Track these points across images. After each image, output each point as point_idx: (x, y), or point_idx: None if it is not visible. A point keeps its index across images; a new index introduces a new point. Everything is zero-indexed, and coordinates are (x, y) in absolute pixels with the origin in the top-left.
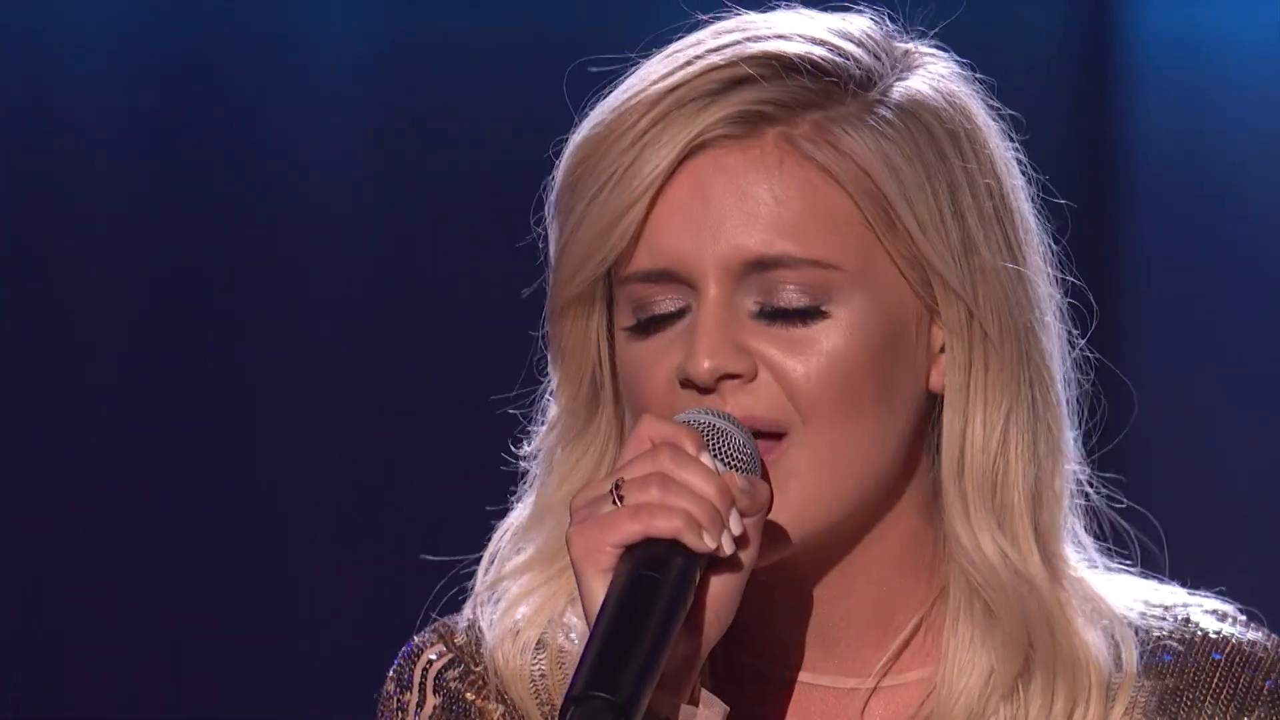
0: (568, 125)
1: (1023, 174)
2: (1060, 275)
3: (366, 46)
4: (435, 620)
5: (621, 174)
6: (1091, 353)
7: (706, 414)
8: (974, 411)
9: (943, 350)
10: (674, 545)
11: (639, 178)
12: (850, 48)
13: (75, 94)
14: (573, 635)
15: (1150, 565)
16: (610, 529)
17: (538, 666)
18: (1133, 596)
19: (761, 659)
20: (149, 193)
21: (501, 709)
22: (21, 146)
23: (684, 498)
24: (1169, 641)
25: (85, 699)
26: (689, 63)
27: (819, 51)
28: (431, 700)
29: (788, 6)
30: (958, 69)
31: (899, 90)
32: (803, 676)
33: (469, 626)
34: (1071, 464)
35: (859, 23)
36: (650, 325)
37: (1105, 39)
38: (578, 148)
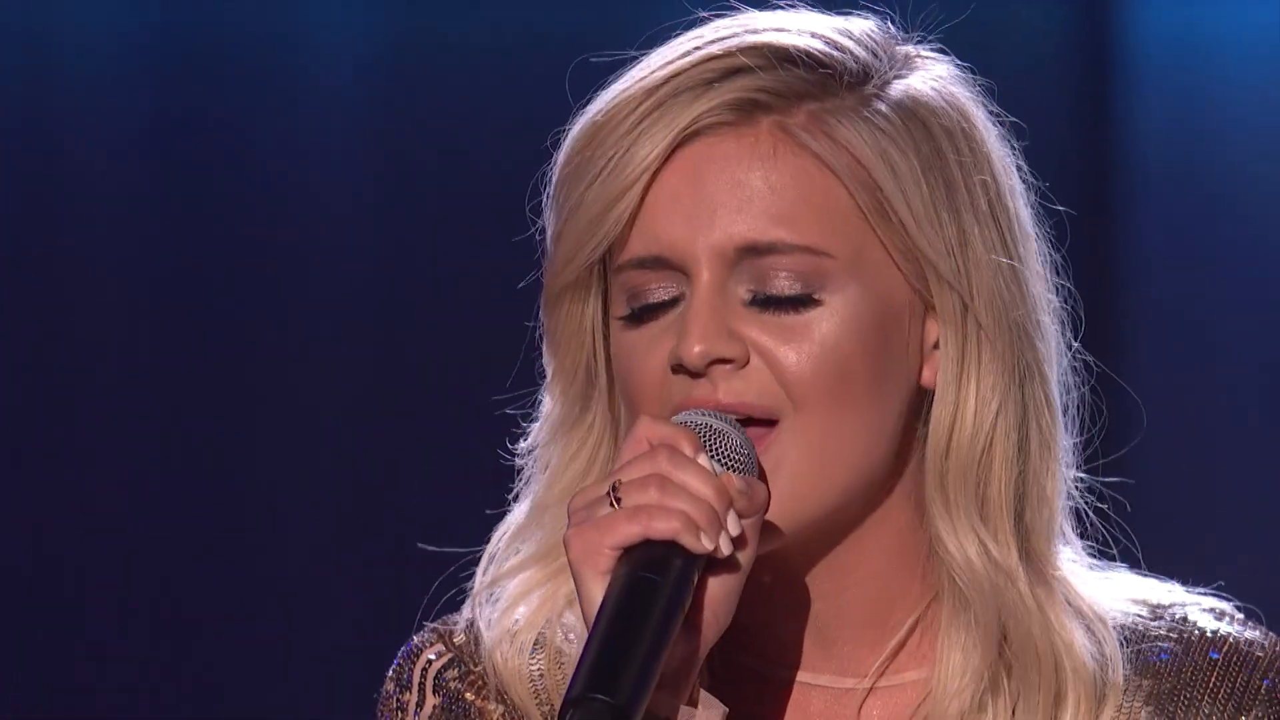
0: (563, 130)
1: (1023, 181)
2: (1059, 282)
3: (366, 46)
4: (434, 620)
5: (617, 160)
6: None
7: (703, 415)
8: (964, 404)
9: (936, 346)
10: (672, 547)
11: (633, 164)
12: (849, 44)
13: (75, 94)
14: (571, 635)
15: (1149, 565)
16: (608, 531)
17: (536, 666)
18: (1130, 595)
19: (759, 659)
20: (149, 193)
21: (501, 709)
22: (21, 146)
23: (682, 499)
24: (1166, 640)
25: (86, 699)
26: (686, 54)
27: (817, 45)
28: (431, 700)
29: (789, 6)
30: (958, 72)
31: (897, 87)
32: (801, 676)
33: (468, 626)
34: (1066, 467)
35: (860, 23)
36: (644, 314)
37: (1105, 39)
38: (576, 136)
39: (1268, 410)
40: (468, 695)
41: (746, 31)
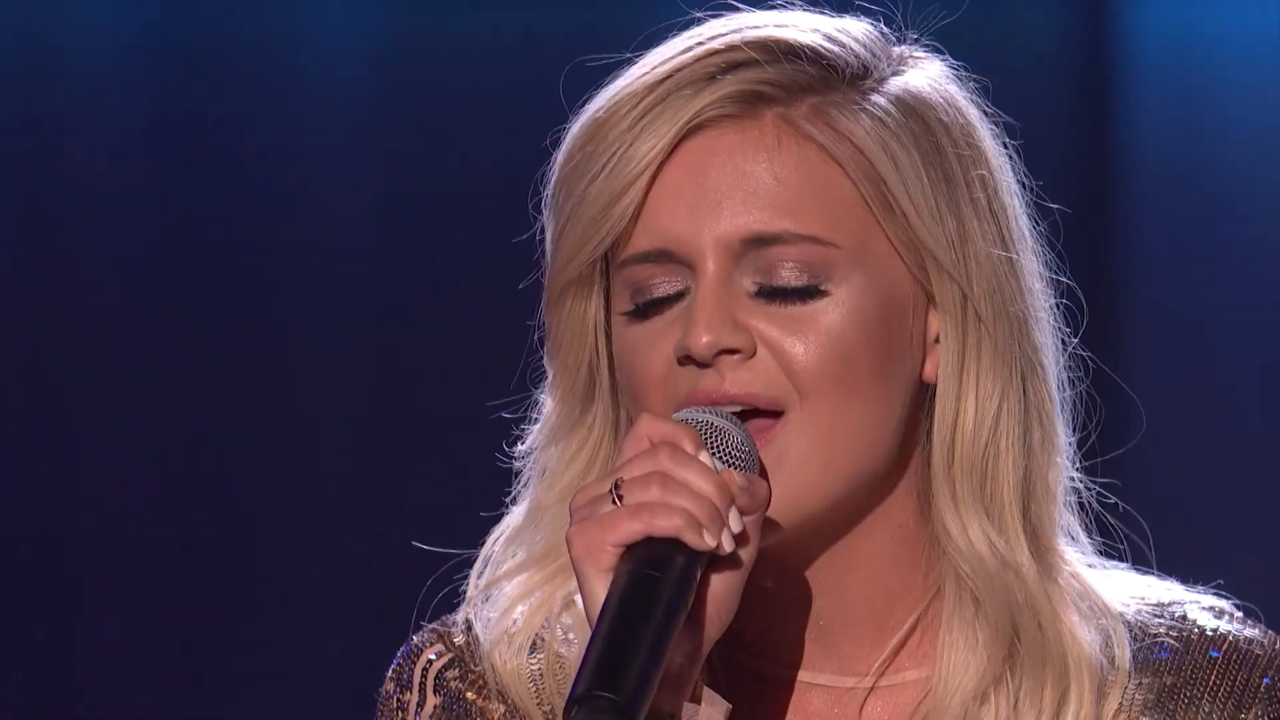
0: (563, 127)
1: (1019, 181)
2: (1056, 278)
3: (366, 46)
4: (433, 621)
5: (620, 156)
6: (1090, 357)
7: (705, 412)
8: (966, 397)
9: (938, 340)
10: (674, 544)
11: (636, 159)
12: (849, 41)
13: (75, 94)
14: (570, 636)
15: (1148, 564)
16: (611, 528)
17: (535, 667)
18: (1130, 593)
19: (761, 659)
20: (149, 192)
21: (503, 708)
22: (21, 146)
23: (684, 496)
24: (1166, 638)
25: (86, 699)
26: (688, 49)
27: (818, 39)
28: (432, 700)
29: (786, 6)
30: (951, 71)
31: (896, 83)
32: (802, 675)
33: (468, 627)
34: (1066, 461)
35: (858, 24)
36: (648, 308)
37: (1105, 40)
38: (577, 133)
39: (1267, 410)
40: (469, 695)
41: (748, 27)
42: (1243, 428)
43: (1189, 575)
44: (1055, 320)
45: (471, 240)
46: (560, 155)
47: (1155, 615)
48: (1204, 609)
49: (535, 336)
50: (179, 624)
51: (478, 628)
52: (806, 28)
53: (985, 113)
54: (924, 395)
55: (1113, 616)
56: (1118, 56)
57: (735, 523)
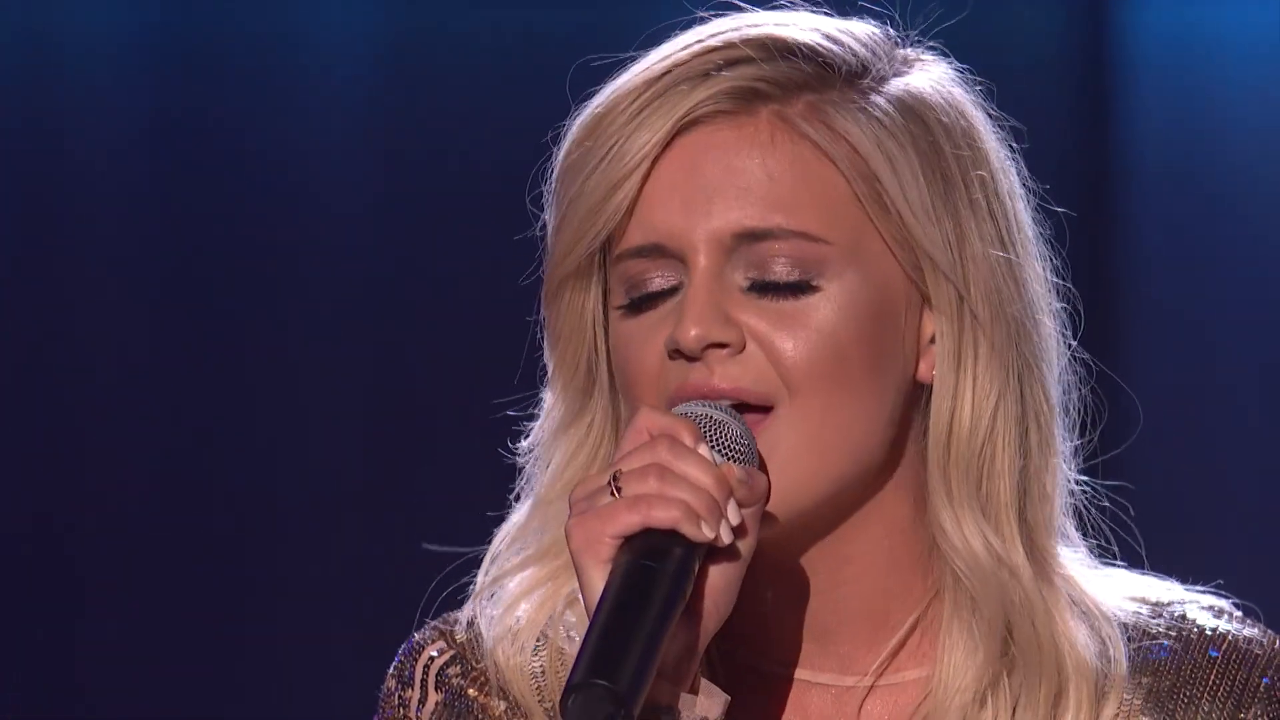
0: (564, 124)
1: (1023, 185)
2: (1057, 281)
3: (366, 46)
4: (435, 618)
5: (616, 150)
6: (1090, 359)
7: (703, 406)
8: (962, 396)
9: (933, 341)
10: (673, 535)
11: (631, 154)
12: (848, 40)
13: (75, 94)
14: (572, 634)
15: (1148, 564)
16: (609, 520)
17: (538, 664)
18: (1129, 593)
19: (760, 657)
20: (149, 192)
21: (504, 705)
22: (21, 146)
23: (682, 488)
24: (1165, 638)
25: (86, 699)
26: (686, 46)
27: (817, 39)
28: (433, 697)
29: (789, 6)
30: (955, 74)
31: (896, 83)
32: (802, 674)
33: (470, 624)
34: (1064, 464)
35: (863, 26)
36: (642, 303)
37: (1105, 40)
38: (577, 128)
39: (1268, 410)
40: (470, 691)
41: (747, 26)
42: (1243, 428)
43: (1189, 575)
44: (1056, 323)
45: (471, 240)
46: (561, 151)
47: (1154, 615)
48: (1203, 608)
49: (537, 334)
50: (179, 624)
51: (481, 625)
52: (807, 27)
53: (990, 116)
54: (918, 394)
55: (1108, 619)
56: (1118, 56)
57: (733, 515)
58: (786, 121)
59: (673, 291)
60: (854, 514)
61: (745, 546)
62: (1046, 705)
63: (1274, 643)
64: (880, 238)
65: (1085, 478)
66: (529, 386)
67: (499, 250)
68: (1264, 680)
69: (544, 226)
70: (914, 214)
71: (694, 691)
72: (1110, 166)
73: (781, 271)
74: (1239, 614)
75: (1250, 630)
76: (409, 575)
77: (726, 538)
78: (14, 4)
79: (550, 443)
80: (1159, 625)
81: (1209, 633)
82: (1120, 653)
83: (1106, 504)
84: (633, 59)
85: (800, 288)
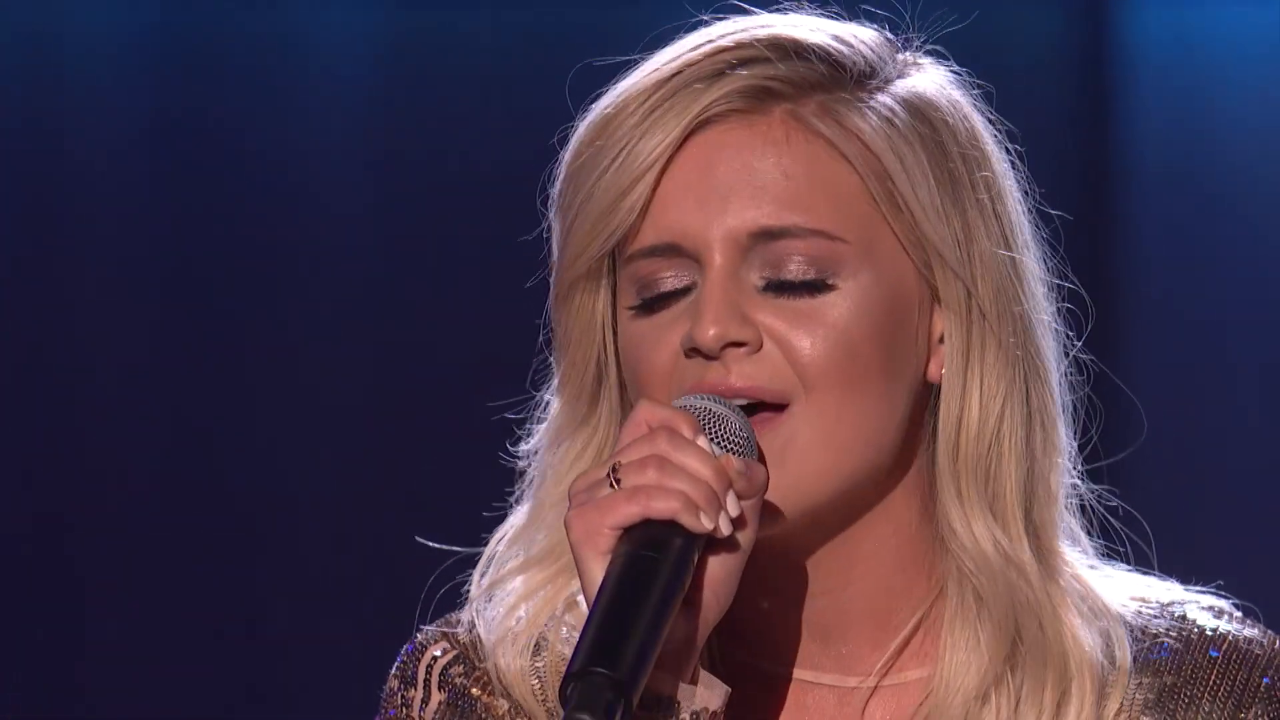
0: (570, 125)
1: (1022, 189)
2: (1058, 282)
3: (366, 46)
4: (437, 619)
5: (628, 151)
6: (1091, 360)
7: (703, 399)
8: (971, 395)
9: (942, 340)
10: (672, 526)
11: (645, 154)
12: (857, 43)
13: (75, 94)
14: (572, 637)
15: (1148, 565)
16: (608, 511)
17: (540, 666)
18: (1130, 593)
19: (762, 657)
20: (149, 192)
21: (507, 704)
22: (21, 146)
23: (681, 479)
24: (1166, 638)
25: (86, 699)
26: (697, 46)
27: (827, 40)
28: (436, 696)
29: (793, 9)
30: (955, 77)
31: (902, 85)
32: (803, 675)
33: (472, 625)
34: (1068, 464)
35: (865, 29)
36: (655, 303)
37: (1104, 40)
38: (585, 129)
39: (1268, 410)
40: (473, 691)
41: (757, 27)
42: (1243, 428)
43: (1189, 575)
44: (1057, 325)
45: (472, 240)
46: (568, 152)
47: (1155, 615)
48: (1204, 609)
49: (540, 336)
50: (179, 624)
51: (480, 628)
52: (815, 29)
53: (989, 119)
54: (928, 394)
55: (1113, 617)
56: (1118, 57)
57: (733, 506)
58: (800, 120)
59: (686, 291)
60: (863, 513)
61: (745, 538)
62: (1050, 703)
63: (1274, 643)
64: (892, 236)
65: (1086, 478)
66: (529, 389)
67: (499, 250)
68: (1264, 680)
69: (547, 229)
70: (925, 212)
71: (693, 683)
72: (1110, 166)
73: (797, 270)
74: (1239, 614)
75: (1250, 630)
76: (409, 575)
77: (725, 529)
78: (14, 4)
79: (554, 446)
80: (1160, 625)
81: (1209, 633)
82: (1125, 651)
83: (1107, 504)
84: (636, 61)
85: (816, 286)
